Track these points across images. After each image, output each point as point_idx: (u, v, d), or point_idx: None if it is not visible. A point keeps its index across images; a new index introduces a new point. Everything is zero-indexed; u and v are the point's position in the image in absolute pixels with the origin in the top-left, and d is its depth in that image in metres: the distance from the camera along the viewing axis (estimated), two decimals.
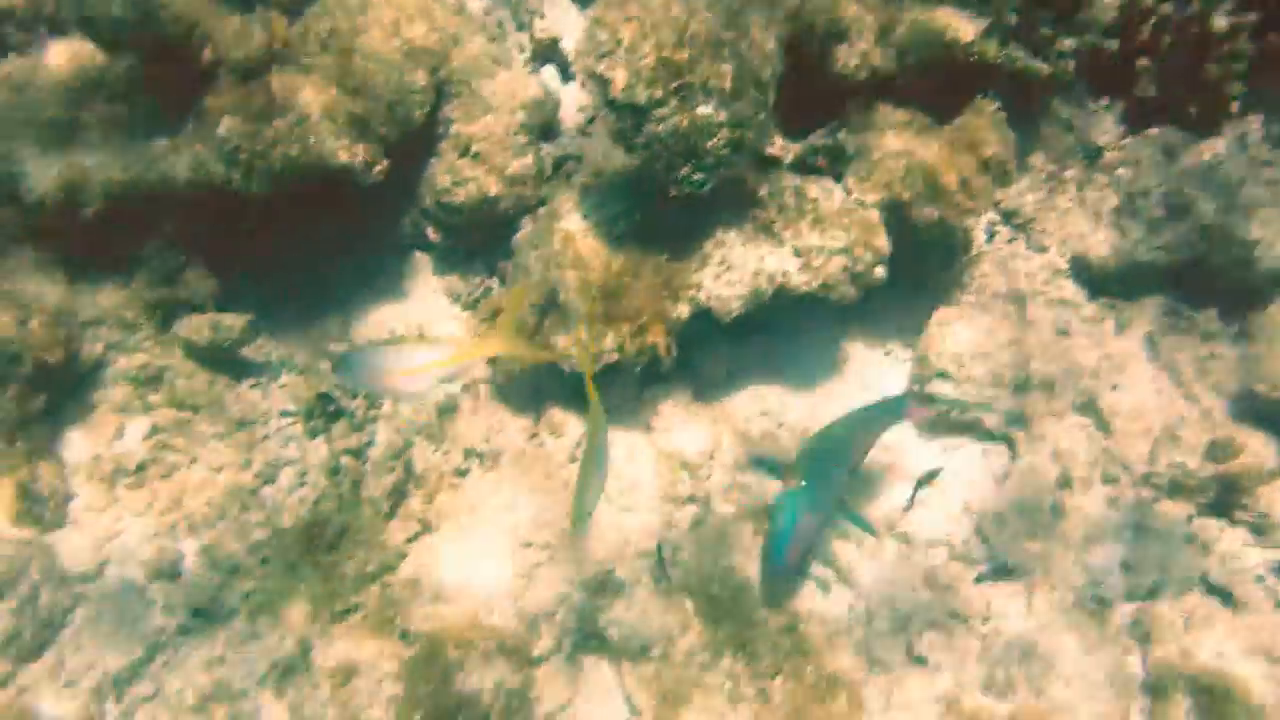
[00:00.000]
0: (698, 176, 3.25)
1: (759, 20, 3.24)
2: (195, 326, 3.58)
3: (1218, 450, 3.29)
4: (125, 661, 3.13)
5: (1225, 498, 3.30)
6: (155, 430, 3.48)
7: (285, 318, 3.83)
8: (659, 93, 3.09)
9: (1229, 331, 3.63)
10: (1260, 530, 3.26)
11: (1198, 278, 3.67)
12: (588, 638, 3.37)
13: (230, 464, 3.51)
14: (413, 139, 3.74)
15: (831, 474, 3.24)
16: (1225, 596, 3.21)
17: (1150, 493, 3.40)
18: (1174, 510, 3.36)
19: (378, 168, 3.54)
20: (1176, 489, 3.36)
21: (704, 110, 3.10)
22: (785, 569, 3.30)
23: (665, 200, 3.41)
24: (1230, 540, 3.27)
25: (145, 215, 3.52)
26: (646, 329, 3.47)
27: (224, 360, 3.66)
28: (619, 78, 3.09)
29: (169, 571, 3.31)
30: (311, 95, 3.43)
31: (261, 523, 3.42)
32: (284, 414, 3.66)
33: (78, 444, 3.40)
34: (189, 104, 3.46)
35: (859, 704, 3.20)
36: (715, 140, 3.15)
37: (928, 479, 3.57)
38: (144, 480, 3.39)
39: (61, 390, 3.43)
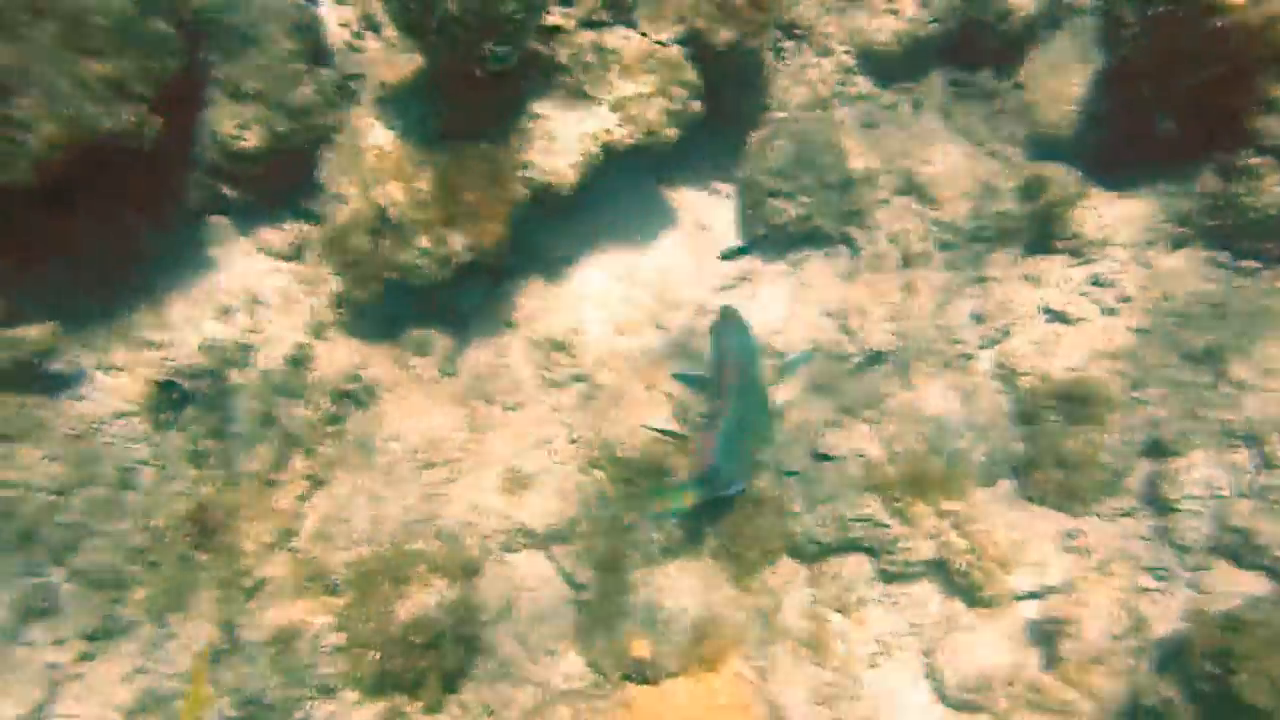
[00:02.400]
0: (502, 49, 3.16)
1: None
2: None
3: (1030, 189, 3.59)
4: (26, 709, 2.79)
5: (1044, 230, 3.61)
6: None
7: (91, 320, 3.44)
8: None
9: (1006, 86, 3.94)
10: (1077, 251, 3.58)
11: (970, 41, 3.93)
12: (513, 534, 3.31)
13: (74, 482, 3.16)
14: (175, 91, 3.42)
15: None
16: (1062, 318, 3.52)
17: (983, 246, 3.68)
18: (1006, 255, 3.66)
19: (151, 126, 3.22)
20: (1004, 235, 3.66)
21: None
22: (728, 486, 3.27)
23: (470, 86, 3.31)
24: (1056, 267, 3.57)
25: None
26: (488, 221, 3.40)
27: (32, 379, 3.26)
28: None
29: (42, 608, 2.96)
30: (52, 64, 3.06)
31: (134, 528, 3.11)
32: (120, 415, 3.32)
33: None
34: None
35: (779, 511, 3.33)
36: (511, 4, 3.07)
37: (733, 254, 3.83)
38: None
39: None
